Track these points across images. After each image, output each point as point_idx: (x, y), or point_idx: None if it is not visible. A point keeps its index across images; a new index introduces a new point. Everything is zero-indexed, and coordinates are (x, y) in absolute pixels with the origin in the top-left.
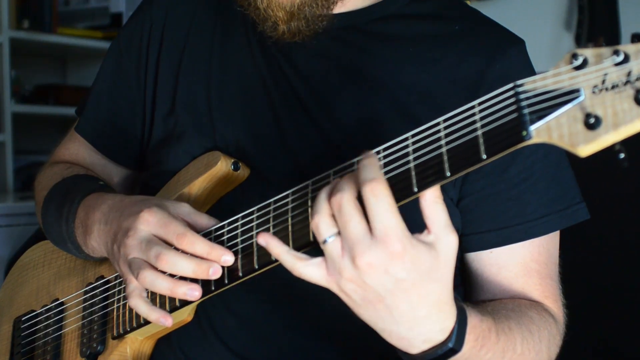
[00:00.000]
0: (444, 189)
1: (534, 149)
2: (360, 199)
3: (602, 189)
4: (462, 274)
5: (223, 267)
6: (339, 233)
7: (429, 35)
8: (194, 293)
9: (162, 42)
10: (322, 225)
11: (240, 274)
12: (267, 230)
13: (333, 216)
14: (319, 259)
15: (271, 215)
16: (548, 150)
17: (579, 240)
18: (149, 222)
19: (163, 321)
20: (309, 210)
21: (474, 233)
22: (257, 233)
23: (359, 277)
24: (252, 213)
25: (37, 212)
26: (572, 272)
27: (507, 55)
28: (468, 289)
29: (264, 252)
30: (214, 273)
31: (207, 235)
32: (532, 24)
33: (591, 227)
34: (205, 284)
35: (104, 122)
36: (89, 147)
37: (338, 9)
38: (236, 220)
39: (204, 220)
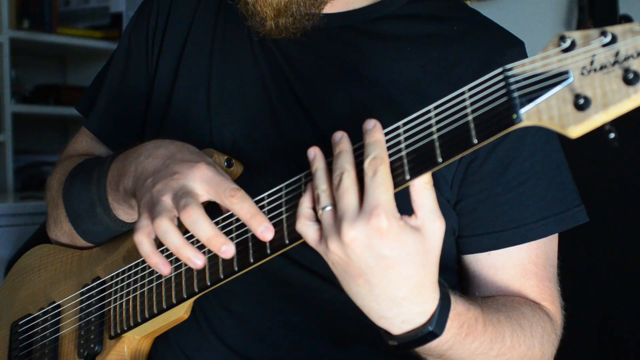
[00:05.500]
0: (439, 190)
1: (532, 151)
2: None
3: (601, 191)
4: (459, 274)
5: (218, 261)
6: (335, 205)
7: (428, 35)
8: (197, 261)
9: (165, 31)
10: (322, 195)
11: (236, 269)
12: None
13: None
14: (318, 225)
15: (266, 209)
16: (547, 153)
17: (577, 242)
18: (204, 174)
19: (162, 268)
20: None
21: (471, 235)
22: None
23: (343, 249)
24: None
25: (51, 206)
26: (570, 273)
27: (506, 57)
28: (465, 289)
29: (259, 247)
30: (226, 251)
31: None
32: (532, 24)
33: (590, 230)
34: (201, 278)
35: (115, 118)
36: (100, 143)
37: (330, 8)
38: (231, 216)
39: None
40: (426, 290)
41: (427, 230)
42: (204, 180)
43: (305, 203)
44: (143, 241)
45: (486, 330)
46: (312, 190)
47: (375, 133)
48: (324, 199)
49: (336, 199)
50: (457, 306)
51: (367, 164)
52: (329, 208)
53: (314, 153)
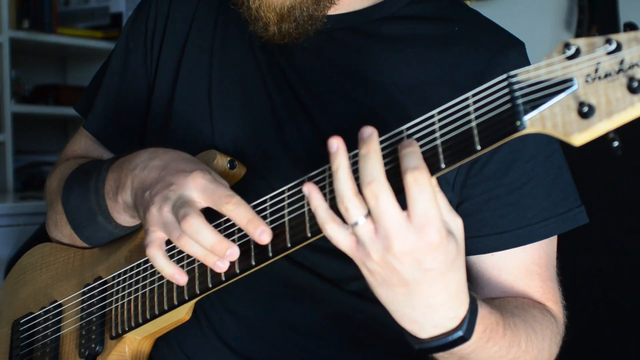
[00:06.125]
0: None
1: (534, 152)
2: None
3: (600, 191)
4: None
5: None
6: (368, 214)
7: (428, 36)
8: (222, 266)
9: (164, 33)
10: (351, 207)
11: (238, 271)
12: None
13: (358, 195)
14: (351, 230)
15: (268, 211)
16: (548, 154)
17: (576, 243)
18: (199, 183)
19: (178, 278)
20: (305, 206)
21: (474, 236)
22: (304, 182)
23: (389, 261)
24: None
25: (50, 209)
26: (570, 274)
27: (507, 58)
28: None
29: (260, 250)
30: (231, 255)
31: None
32: (532, 24)
33: (589, 230)
34: (202, 281)
35: (113, 119)
36: (98, 144)
37: (333, 10)
38: None
39: None
40: (462, 294)
41: (454, 230)
42: (199, 189)
43: (322, 204)
44: (157, 254)
45: (505, 334)
46: (325, 188)
47: (411, 143)
48: (355, 210)
49: (377, 215)
50: (482, 310)
51: (410, 176)
52: (363, 220)
53: (337, 146)
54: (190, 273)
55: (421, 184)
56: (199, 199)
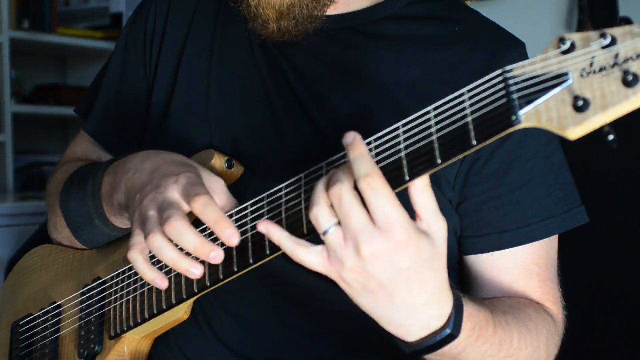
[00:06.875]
0: (441, 190)
1: (534, 152)
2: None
3: (600, 190)
4: (459, 275)
5: (219, 263)
6: (338, 223)
7: (428, 36)
8: (195, 271)
9: (164, 34)
10: (321, 216)
11: (235, 269)
12: None
13: (332, 207)
14: (319, 247)
15: (265, 209)
16: (548, 153)
17: (577, 242)
18: (180, 184)
19: (159, 282)
20: (302, 203)
21: (474, 236)
22: (257, 222)
23: (362, 266)
24: (246, 208)
25: (50, 212)
26: (570, 274)
27: (508, 58)
28: (467, 290)
29: (258, 247)
30: (215, 257)
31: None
32: (532, 24)
33: (589, 230)
34: (199, 280)
35: (112, 121)
36: (98, 146)
37: (331, 10)
38: (230, 216)
39: (229, 203)
40: (443, 292)
41: (433, 231)
42: (180, 190)
43: (284, 234)
44: (137, 258)
45: (496, 332)
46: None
47: (357, 146)
48: (324, 218)
49: (341, 217)
50: (469, 308)
51: (362, 183)
52: (333, 228)
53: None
54: None
55: (375, 188)
56: (182, 201)
